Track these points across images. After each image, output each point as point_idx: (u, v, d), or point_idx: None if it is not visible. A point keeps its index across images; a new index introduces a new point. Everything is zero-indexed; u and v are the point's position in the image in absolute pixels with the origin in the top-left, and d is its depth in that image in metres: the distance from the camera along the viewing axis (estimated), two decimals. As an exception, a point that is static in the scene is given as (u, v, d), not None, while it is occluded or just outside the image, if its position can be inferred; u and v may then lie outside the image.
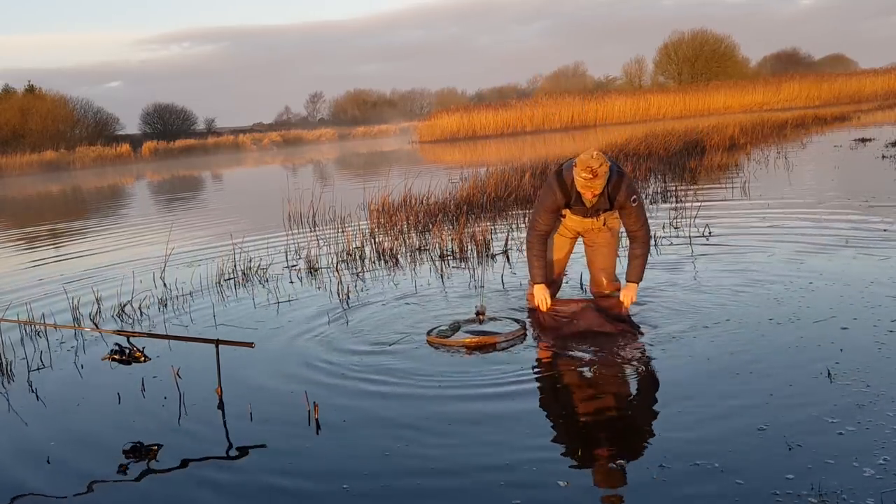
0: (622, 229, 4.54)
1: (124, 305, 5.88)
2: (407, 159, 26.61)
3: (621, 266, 4.65)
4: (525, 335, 4.42)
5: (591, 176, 4.07)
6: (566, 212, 4.45)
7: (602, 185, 4.13)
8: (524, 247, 4.59)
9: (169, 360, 4.36)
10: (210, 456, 3.21)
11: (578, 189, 4.20)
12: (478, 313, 4.72)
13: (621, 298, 4.42)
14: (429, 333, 4.48)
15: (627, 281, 4.42)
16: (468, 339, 4.32)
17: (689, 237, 6.87)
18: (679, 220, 7.68)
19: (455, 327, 4.58)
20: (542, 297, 4.44)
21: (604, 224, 4.47)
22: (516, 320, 4.66)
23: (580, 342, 4.23)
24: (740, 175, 11.64)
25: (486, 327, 4.57)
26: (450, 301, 5.34)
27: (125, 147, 49.06)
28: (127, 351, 3.71)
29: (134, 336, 3.83)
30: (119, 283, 6.59)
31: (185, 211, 15.10)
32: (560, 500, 2.61)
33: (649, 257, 4.51)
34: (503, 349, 4.22)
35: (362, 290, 5.93)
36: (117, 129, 56.78)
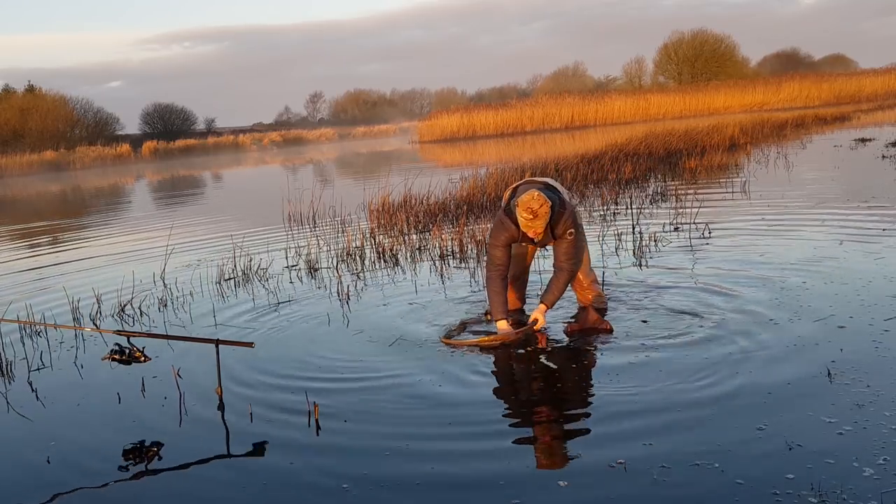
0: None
1: (124, 305, 5.88)
2: (407, 159, 26.61)
3: (598, 261, 4.63)
4: (532, 330, 4.41)
5: (531, 216, 4.19)
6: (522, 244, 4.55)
7: (543, 223, 4.23)
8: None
9: (169, 360, 4.37)
10: (210, 456, 3.21)
11: (521, 228, 4.31)
12: (486, 313, 4.73)
13: (531, 319, 4.41)
14: (448, 336, 4.47)
15: (540, 301, 4.46)
16: (483, 339, 4.32)
17: (689, 236, 6.87)
18: (679, 220, 7.67)
19: (462, 328, 4.61)
20: (504, 335, 4.34)
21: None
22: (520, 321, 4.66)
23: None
24: (740, 175, 11.63)
25: (493, 327, 4.56)
26: (450, 301, 5.34)
27: (125, 147, 49.09)
28: (127, 351, 3.71)
29: (134, 336, 3.82)
30: (119, 283, 6.59)
31: (185, 211, 15.10)
32: (560, 499, 2.61)
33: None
34: (514, 346, 4.22)
35: (362, 290, 5.94)
36: (117, 128, 56.87)
